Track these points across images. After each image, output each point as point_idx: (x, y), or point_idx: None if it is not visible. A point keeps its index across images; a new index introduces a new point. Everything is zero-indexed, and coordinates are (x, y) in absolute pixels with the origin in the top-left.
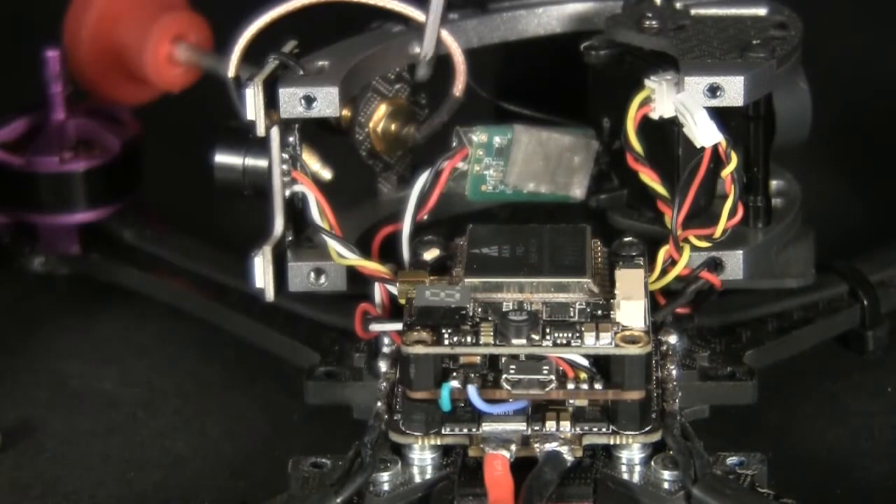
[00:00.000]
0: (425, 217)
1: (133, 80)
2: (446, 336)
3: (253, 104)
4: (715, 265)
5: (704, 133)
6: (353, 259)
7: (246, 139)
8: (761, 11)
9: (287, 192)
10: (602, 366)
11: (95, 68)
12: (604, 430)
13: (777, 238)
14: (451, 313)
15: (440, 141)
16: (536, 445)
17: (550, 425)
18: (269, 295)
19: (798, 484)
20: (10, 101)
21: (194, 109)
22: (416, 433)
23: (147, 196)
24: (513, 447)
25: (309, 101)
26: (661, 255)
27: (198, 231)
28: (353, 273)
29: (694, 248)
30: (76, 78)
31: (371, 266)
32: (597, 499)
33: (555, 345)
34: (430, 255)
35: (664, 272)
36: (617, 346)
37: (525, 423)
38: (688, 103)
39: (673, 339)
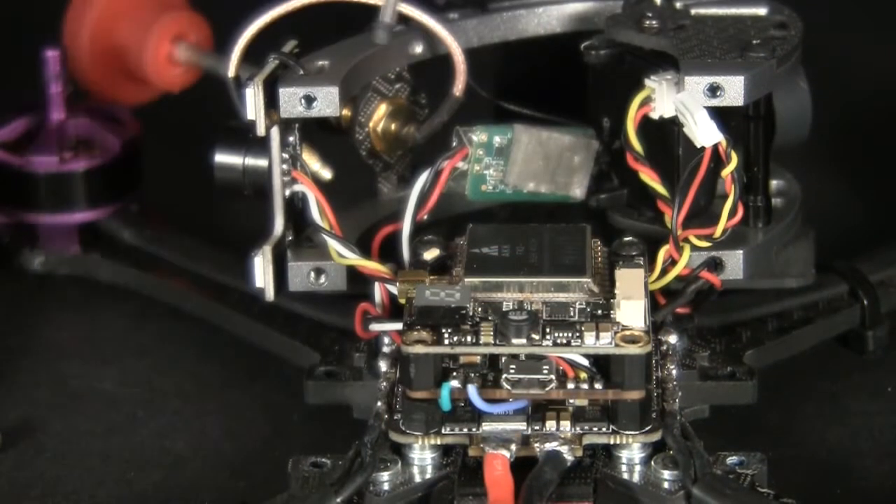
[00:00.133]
0: (425, 217)
1: (133, 80)
2: (446, 336)
3: (253, 104)
4: (715, 265)
5: (705, 133)
6: (353, 259)
7: (246, 139)
8: (761, 11)
9: (287, 192)
10: (602, 365)
11: (95, 68)
12: (604, 429)
13: (777, 238)
14: (451, 313)
15: (440, 141)
16: (536, 445)
17: (550, 425)
18: (269, 294)
19: (798, 484)
20: (10, 101)
21: (194, 109)
22: (416, 433)
23: (147, 196)
24: (513, 447)
25: (309, 100)
26: (661, 254)
27: (198, 231)
28: (352, 273)
29: (694, 248)
30: (76, 78)
31: (371, 266)
32: (597, 498)
33: (555, 344)
34: (430, 254)
35: (664, 272)
36: (617, 345)
37: (525, 423)
38: (688, 103)
39: (673, 338)
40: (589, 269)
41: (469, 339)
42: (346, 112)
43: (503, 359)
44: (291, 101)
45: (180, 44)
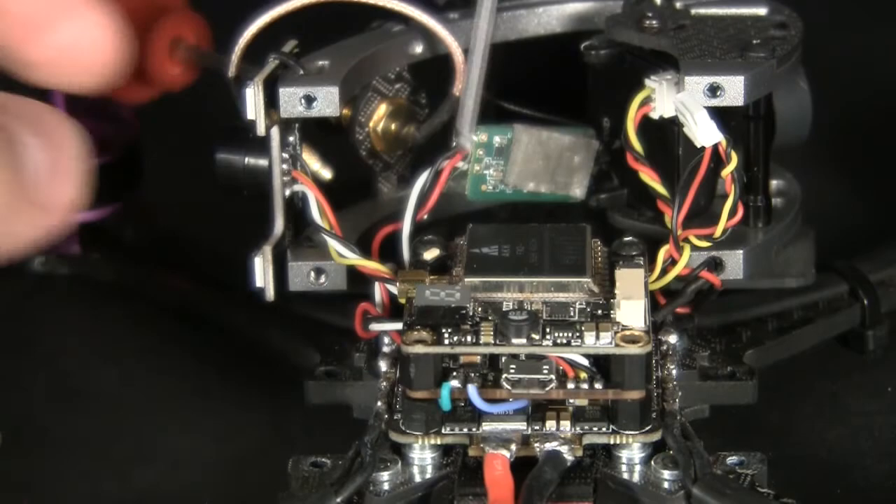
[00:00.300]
0: (425, 217)
1: (133, 80)
2: (446, 336)
3: (253, 104)
4: (715, 265)
5: (705, 133)
6: (354, 258)
7: (246, 138)
8: (761, 11)
9: (287, 192)
10: (602, 365)
11: None
12: (604, 429)
13: (777, 238)
14: (452, 313)
15: (440, 141)
16: (536, 445)
17: (550, 425)
18: (269, 294)
19: (798, 484)
20: None
21: (194, 109)
22: (416, 433)
23: (147, 196)
24: (513, 447)
25: (309, 100)
26: (662, 254)
27: (198, 231)
28: (352, 273)
29: (694, 248)
30: None
31: (371, 266)
32: (597, 498)
33: (555, 344)
34: (430, 254)
35: (664, 272)
36: (617, 345)
37: (525, 423)
38: (688, 103)
39: (673, 338)
40: (589, 268)
41: (469, 338)
42: (345, 112)
43: (503, 359)
44: (291, 100)
45: (180, 44)
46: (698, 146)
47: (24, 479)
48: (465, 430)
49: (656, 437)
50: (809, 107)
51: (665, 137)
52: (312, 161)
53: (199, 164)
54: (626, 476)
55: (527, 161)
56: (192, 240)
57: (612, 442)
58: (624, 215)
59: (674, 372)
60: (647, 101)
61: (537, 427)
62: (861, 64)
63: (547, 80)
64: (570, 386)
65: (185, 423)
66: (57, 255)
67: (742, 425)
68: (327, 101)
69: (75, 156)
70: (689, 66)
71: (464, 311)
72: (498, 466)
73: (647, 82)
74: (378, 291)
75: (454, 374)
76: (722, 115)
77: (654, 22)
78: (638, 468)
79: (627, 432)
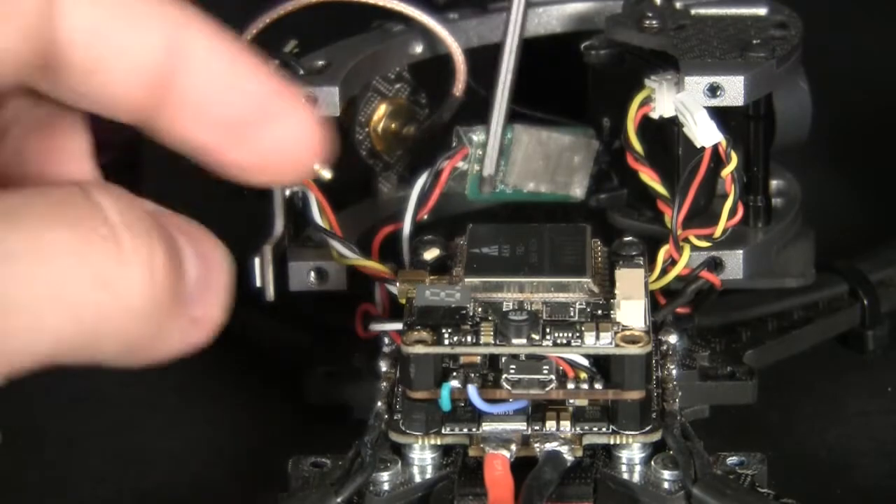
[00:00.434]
0: (425, 217)
1: None
2: (446, 336)
3: None
4: (715, 265)
5: (704, 133)
6: (354, 258)
7: None
8: (761, 11)
9: (287, 192)
10: (602, 365)
11: None
12: (604, 429)
13: (777, 238)
14: (452, 313)
15: (440, 141)
16: (536, 445)
17: (550, 425)
18: (270, 294)
19: (798, 484)
20: None
21: None
22: (416, 433)
23: (147, 196)
24: (513, 447)
25: (310, 100)
26: (661, 254)
27: None
28: (350, 272)
29: (694, 248)
30: None
31: (371, 266)
32: (597, 499)
33: (555, 344)
34: (431, 254)
35: (664, 272)
36: (617, 345)
37: (525, 423)
38: (688, 103)
39: (673, 338)
40: (589, 268)
41: (469, 339)
42: (345, 112)
43: (503, 359)
44: None
45: None
46: (698, 146)
47: (24, 479)
48: (465, 430)
49: (656, 437)
50: (809, 107)
51: (665, 137)
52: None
53: (199, 164)
54: (625, 476)
55: (527, 161)
56: None
57: (612, 442)
58: (624, 215)
59: (674, 372)
60: (647, 101)
61: (537, 427)
62: (861, 63)
63: (547, 80)
64: (570, 386)
65: (185, 423)
66: None
67: (741, 425)
68: (328, 101)
69: (224, 276)
70: (689, 66)
71: (464, 312)
72: (498, 466)
73: (647, 82)
74: (378, 291)
75: (454, 374)
76: (722, 115)
77: (654, 22)
78: (638, 468)
79: (627, 432)
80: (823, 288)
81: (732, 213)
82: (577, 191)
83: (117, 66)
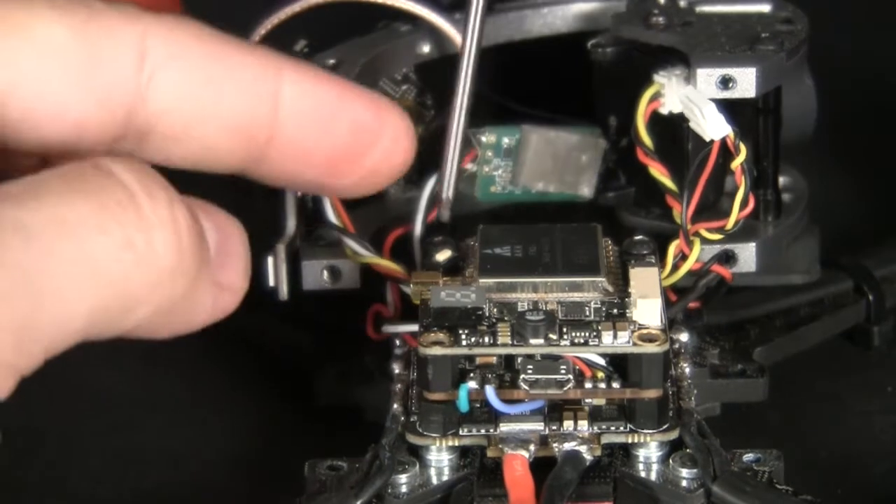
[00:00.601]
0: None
1: None
2: (463, 337)
3: None
4: (726, 258)
5: (713, 126)
6: (369, 257)
7: None
8: (765, 8)
9: (299, 191)
10: (618, 364)
11: None
12: (621, 428)
13: (787, 232)
14: (468, 314)
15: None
16: (555, 445)
17: (568, 425)
18: (283, 293)
19: (799, 483)
20: None
21: None
22: (433, 434)
23: None
24: (531, 447)
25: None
26: (672, 249)
27: None
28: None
29: (705, 241)
30: None
31: (386, 264)
32: (617, 497)
33: (572, 344)
34: (443, 255)
35: (675, 267)
36: (635, 344)
37: (542, 423)
38: (694, 97)
39: (684, 336)
40: (603, 268)
41: (486, 339)
42: None
43: (519, 359)
44: None
45: None
46: (707, 139)
47: (24, 479)
48: (483, 431)
49: (674, 435)
50: (815, 102)
51: (675, 133)
52: None
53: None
54: (643, 475)
55: (535, 161)
56: None
57: (630, 441)
58: (632, 213)
59: (687, 370)
60: (656, 97)
61: (555, 427)
62: (865, 58)
63: (552, 81)
64: (588, 385)
65: (185, 423)
66: None
67: (744, 424)
68: None
69: (242, 245)
70: (700, 58)
71: (480, 312)
72: (518, 467)
73: (656, 78)
74: (389, 292)
75: (471, 375)
76: (731, 110)
77: (660, 19)
78: (655, 467)
79: (645, 431)
80: (829, 284)
81: (744, 204)
82: (586, 190)
83: (212, 127)
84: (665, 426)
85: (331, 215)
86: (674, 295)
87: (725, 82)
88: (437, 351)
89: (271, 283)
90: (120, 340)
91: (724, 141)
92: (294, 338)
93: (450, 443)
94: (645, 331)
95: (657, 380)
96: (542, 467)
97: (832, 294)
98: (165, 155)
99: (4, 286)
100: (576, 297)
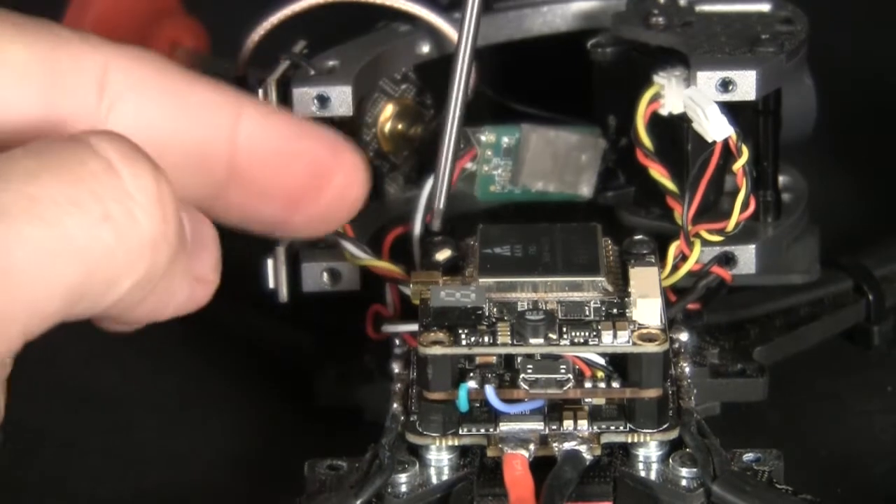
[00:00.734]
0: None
1: None
2: (463, 337)
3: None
4: (726, 260)
5: (716, 127)
6: (367, 259)
7: None
8: (765, 7)
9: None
10: (618, 364)
11: None
12: (621, 428)
13: (787, 232)
14: (468, 314)
15: None
16: (554, 445)
17: (568, 424)
18: (283, 295)
19: (799, 483)
20: None
21: None
22: (433, 434)
23: None
24: (531, 447)
25: (322, 100)
26: (672, 250)
27: None
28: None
29: (705, 243)
30: None
31: (384, 266)
32: (617, 497)
33: (572, 344)
34: (442, 255)
35: (675, 268)
36: (635, 344)
37: (542, 423)
38: (697, 98)
39: (684, 336)
40: (602, 267)
41: (486, 339)
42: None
43: (519, 359)
44: (304, 101)
45: (177, 49)
46: (709, 140)
47: (24, 479)
48: (483, 430)
49: (674, 435)
50: (814, 102)
51: (675, 134)
52: None
53: None
54: (643, 474)
55: (535, 161)
56: None
57: (629, 441)
58: (632, 213)
59: (687, 369)
60: (656, 98)
61: (555, 427)
62: (864, 58)
63: (551, 80)
64: (588, 385)
65: (185, 423)
66: None
67: (744, 423)
68: (340, 101)
69: (214, 238)
70: (699, 60)
71: (480, 312)
72: (518, 466)
73: (656, 78)
74: (388, 292)
75: (471, 374)
76: (731, 111)
77: (660, 19)
78: (655, 466)
79: (645, 431)
80: (829, 284)
81: (745, 206)
82: (585, 190)
83: (171, 159)
84: (665, 426)
85: None
86: (673, 295)
87: (725, 85)
88: (436, 350)
89: (271, 284)
90: (120, 340)
91: (725, 142)
92: (294, 338)
93: (450, 442)
94: (645, 330)
95: (657, 379)
96: (541, 467)
97: (832, 294)
98: None
99: None
100: (576, 296)
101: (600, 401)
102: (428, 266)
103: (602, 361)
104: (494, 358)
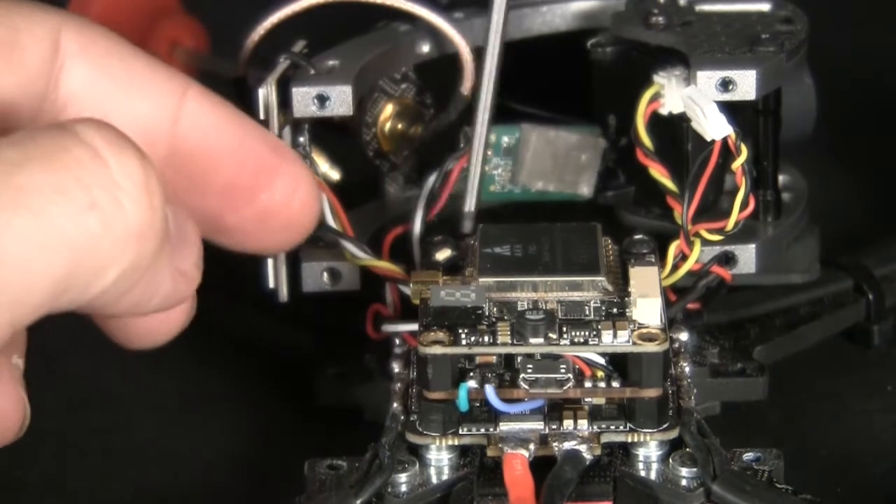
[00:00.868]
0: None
1: None
2: (463, 336)
3: (265, 104)
4: (726, 259)
5: (715, 126)
6: (367, 259)
7: None
8: (765, 7)
9: None
10: (618, 363)
11: None
12: (621, 428)
13: (787, 232)
14: (468, 313)
15: (447, 141)
16: (555, 444)
17: (568, 424)
18: (283, 295)
19: (799, 482)
20: None
21: None
22: (433, 433)
23: None
24: (531, 446)
25: (322, 100)
26: (672, 250)
27: None
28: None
29: (705, 242)
30: None
31: (384, 266)
32: (617, 497)
33: (572, 343)
34: (442, 255)
35: (675, 268)
36: (635, 343)
37: (542, 422)
38: (696, 97)
39: (684, 336)
40: (602, 267)
41: (486, 339)
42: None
43: (519, 358)
44: (304, 100)
45: (177, 49)
46: (709, 139)
47: (24, 479)
48: (483, 430)
49: (674, 434)
50: (814, 101)
51: (675, 134)
52: (321, 162)
53: None
54: (643, 474)
55: (535, 160)
56: None
57: (629, 440)
58: (632, 213)
59: (687, 369)
60: (656, 97)
61: (555, 426)
62: (864, 59)
63: (551, 79)
64: (588, 385)
65: (185, 423)
66: None
67: (744, 423)
68: (340, 100)
69: (196, 233)
70: (699, 60)
71: (480, 312)
72: (518, 466)
73: (656, 78)
74: (388, 292)
75: (471, 374)
76: (731, 111)
77: (660, 18)
78: (655, 466)
79: (645, 430)
80: (829, 284)
81: (744, 205)
82: (585, 189)
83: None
84: (665, 425)
85: (329, 218)
86: (673, 295)
87: (725, 84)
88: (436, 350)
89: (271, 284)
90: None
91: (724, 141)
92: (294, 338)
93: (449, 442)
94: (645, 330)
95: (657, 379)
96: (541, 466)
97: (832, 293)
98: None
99: None
100: (575, 296)
101: (600, 400)
102: (428, 266)
103: (602, 361)
104: (494, 357)
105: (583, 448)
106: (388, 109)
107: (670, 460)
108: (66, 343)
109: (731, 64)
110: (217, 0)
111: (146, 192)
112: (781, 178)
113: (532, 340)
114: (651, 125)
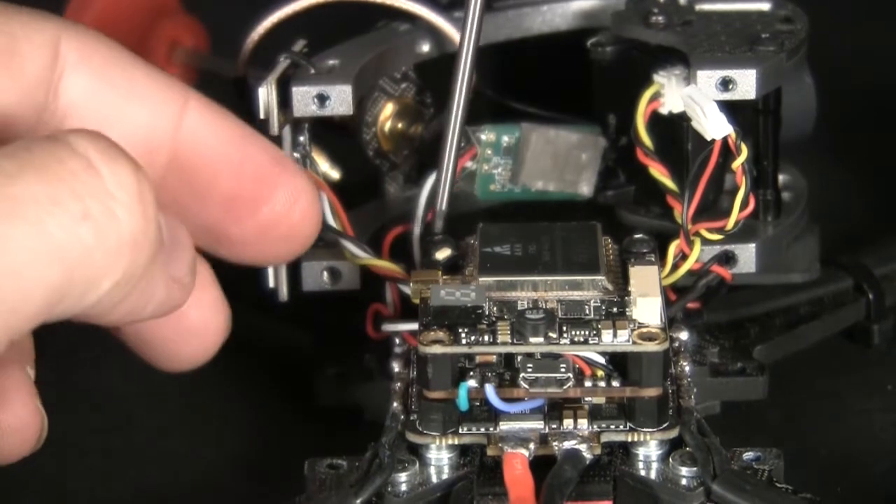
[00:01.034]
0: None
1: None
2: (463, 336)
3: (265, 103)
4: (726, 259)
5: (715, 125)
6: (367, 259)
7: None
8: (765, 6)
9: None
10: (618, 363)
11: None
12: (621, 427)
13: (787, 231)
14: (468, 313)
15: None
16: (555, 444)
17: (568, 423)
18: (283, 295)
19: (799, 482)
20: None
21: None
22: (433, 433)
23: None
24: (531, 445)
25: (322, 99)
26: (672, 249)
27: None
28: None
29: (705, 242)
30: None
31: (384, 265)
32: (617, 496)
33: (572, 342)
34: (442, 254)
35: (675, 267)
36: (634, 343)
37: (542, 422)
38: (696, 96)
39: (684, 335)
40: (602, 266)
41: (486, 338)
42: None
43: (519, 358)
44: (304, 99)
45: (177, 48)
46: (708, 139)
47: (24, 479)
48: (483, 429)
49: (674, 434)
50: (814, 101)
51: (675, 133)
52: (321, 162)
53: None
54: (643, 473)
55: (535, 160)
56: None
57: (629, 440)
58: (632, 212)
59: (687, 368)
60: (656, 97)
61: (555, 426)
62: (864, 59)
63: (551, 79)
64: (588, 384)
65: (185, 423)
66: None
67: (744, 422)
68: (340, 100)
69: (188, 238)
70: (700, 59)
71: (480, 311)
72: (518, 465)
73: (656, 77)
74: (388, 291)
75: (471, 373)
76: (731, 109)
77: (660, 18)
78: (655, 465)
79: (645, 430)
80: (829, 283)
81: (744, 204)
82: (585, 189)
83: (115, 134)
84: (665, 425)
85: (329, 217)
86: (673, 294)
87: (725, 84)
88: (436, 349)
89: (271, 284)
90: (120, 339)
91: (724, 141)
92: (294, 338)
93: (450, 441)
94: (645, 329)
95: (657, 378)
96: (541, 466)
97: (832, 292)
98: None
99: None
100: (575, 295)
101: (600, 400)
102: (428, 265)
103: (602, 360)
104: (494, 357)
105: (583, 447)
106: (389, 109)
107: (670, 460)
108: (66, 343)
109: (731, 63)
110: (217, 0)
111: (139, 202)
112: (781, 178)
113: (532, 340)
114: (651, 124)
